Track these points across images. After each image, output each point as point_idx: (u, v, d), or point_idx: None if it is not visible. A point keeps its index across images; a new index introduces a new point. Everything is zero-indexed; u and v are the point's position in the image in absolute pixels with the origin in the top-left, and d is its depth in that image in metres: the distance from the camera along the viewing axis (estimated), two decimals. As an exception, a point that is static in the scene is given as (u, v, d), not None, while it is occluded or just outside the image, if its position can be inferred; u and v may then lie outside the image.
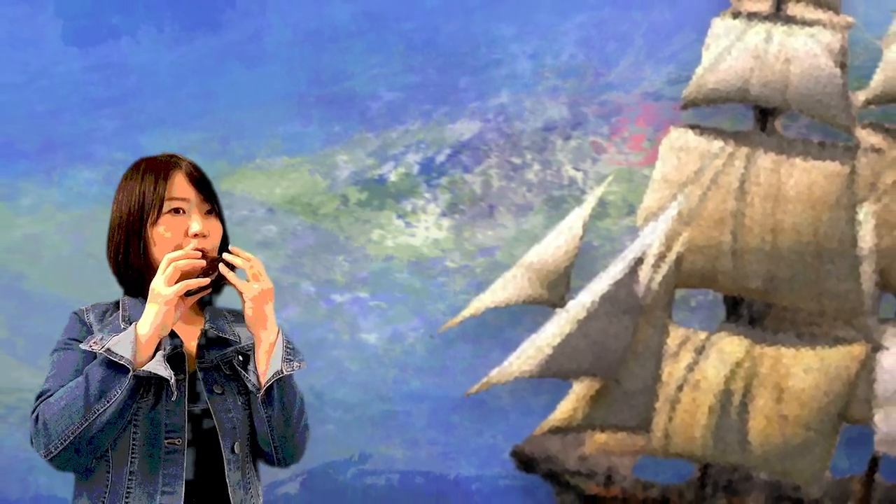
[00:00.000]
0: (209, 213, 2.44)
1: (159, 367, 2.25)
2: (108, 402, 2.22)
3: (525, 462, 4.23)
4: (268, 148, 4.31)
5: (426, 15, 4.29)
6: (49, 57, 4.29)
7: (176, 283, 2.26)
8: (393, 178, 4.34)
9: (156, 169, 2.43)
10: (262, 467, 2.47)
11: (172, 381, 2.26)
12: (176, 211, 2.40)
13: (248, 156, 4.30)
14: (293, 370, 2.36)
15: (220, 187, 3.93)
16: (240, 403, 2.38)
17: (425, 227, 4.33)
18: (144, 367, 2.23)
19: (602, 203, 4.29)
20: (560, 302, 4.23)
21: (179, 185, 2.42)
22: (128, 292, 2.45)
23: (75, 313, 2.43)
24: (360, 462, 4.29)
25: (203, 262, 2.31)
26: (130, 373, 2.21)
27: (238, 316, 2.48)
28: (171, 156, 2.48)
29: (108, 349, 2.22)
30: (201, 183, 2.44)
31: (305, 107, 4.31)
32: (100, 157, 4.29)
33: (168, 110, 4.27)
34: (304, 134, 4.31)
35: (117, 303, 2.46)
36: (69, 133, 4.27)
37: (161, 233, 2.39)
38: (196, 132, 4.26)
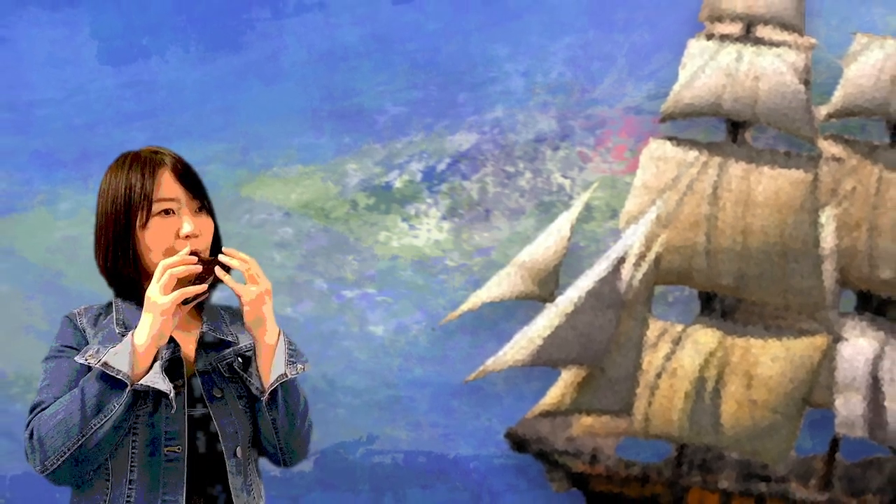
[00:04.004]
0: (200, 210, 2.21)
1: (158, 380, 2.06)
2: (105, 416, 2.03)
3: (518, 443, 4.29)
4: (284, 157, 4.35)
5: (428, 37, 4.33)
6: (85, 75, 4.35)
7: (173, 290, 2.05)
8: (398, 184, 4.38)
9: (141, 167, 2.17)
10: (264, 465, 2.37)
11: (171, 395, 2.09)
12: (166, 212, 2.17)
13: (267, 164, 4.34)
14: (297, 373, 2.19)
15: (240, 193, 4.03)
16: (241, 407, 2.22)
17: (427, 230, 4.38)
18: (142, 381, 2.05)
19: (588, 207, 4.32)
20: (550, 297, 4.29)
21: (167, 185, 2.17)
22: (118, 294, 2.23)
23: (67, 317, 2.21)
24: (368, 443, 4.34)
25: (199, 268, 2.09)
26: (128, 388, 2.03)
27: (236, 314, 2.32)
28: (156, 150, 2.22)
29: (105, 363, 2.03)
30: (189, 179, 2.20)
31: (318, 120, 4.35)
32: (131, 167, 4.42)
33: (194, 123, 4.31)
34: (317, 145, 4.36)
35: (109, 304, 2.24)
36: (104, 144, 4.26)
37: (151, 237, 2.15)
38: (219, 143, 4.28)
